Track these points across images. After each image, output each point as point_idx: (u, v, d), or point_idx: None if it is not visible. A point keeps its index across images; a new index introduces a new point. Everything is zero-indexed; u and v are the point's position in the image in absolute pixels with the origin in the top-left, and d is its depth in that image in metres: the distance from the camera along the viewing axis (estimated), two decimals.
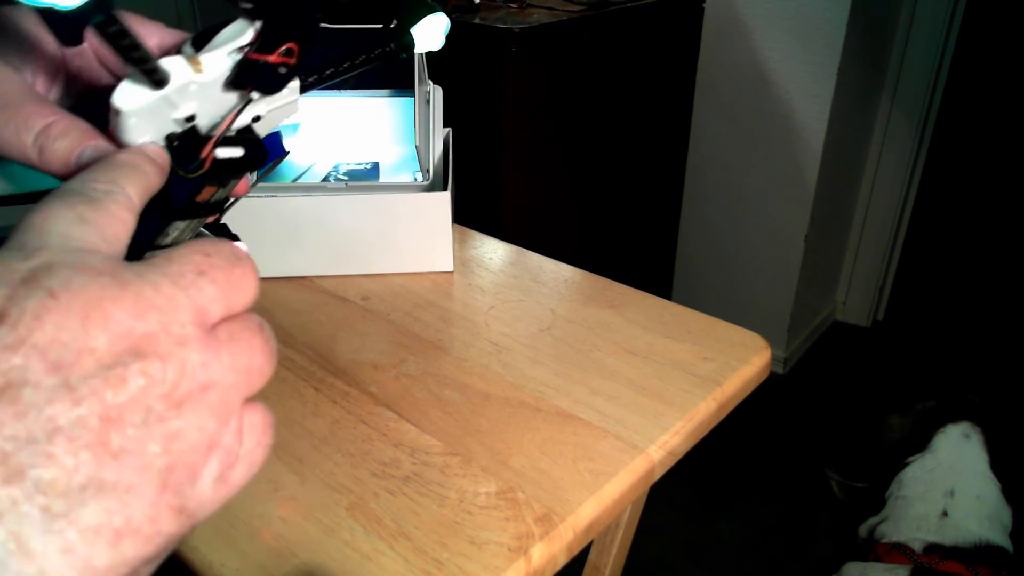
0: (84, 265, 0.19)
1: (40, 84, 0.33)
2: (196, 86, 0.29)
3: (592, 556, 0.78)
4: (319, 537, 0.41)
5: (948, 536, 1.20)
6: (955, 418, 1.36)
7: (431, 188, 0.73)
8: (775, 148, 1.84)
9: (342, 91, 0.78)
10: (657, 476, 0.49)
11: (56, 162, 0.29)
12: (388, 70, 0.77)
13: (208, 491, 0.20)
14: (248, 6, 0.29)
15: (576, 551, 0.43)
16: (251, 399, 0.22)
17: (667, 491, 1.67)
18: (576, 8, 1.47)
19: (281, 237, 0.69)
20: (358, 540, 0.41)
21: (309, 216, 0.69)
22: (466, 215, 0.82)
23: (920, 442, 1.36)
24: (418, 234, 0.70)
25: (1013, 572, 1.20)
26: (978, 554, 1.19)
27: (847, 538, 1.45)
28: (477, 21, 1.35)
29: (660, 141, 1.87)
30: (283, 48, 0.30)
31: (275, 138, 0.42)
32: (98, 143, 0.29)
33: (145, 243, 0.33)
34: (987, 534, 1.21)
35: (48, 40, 0.33)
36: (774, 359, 1.11)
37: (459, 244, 0.78)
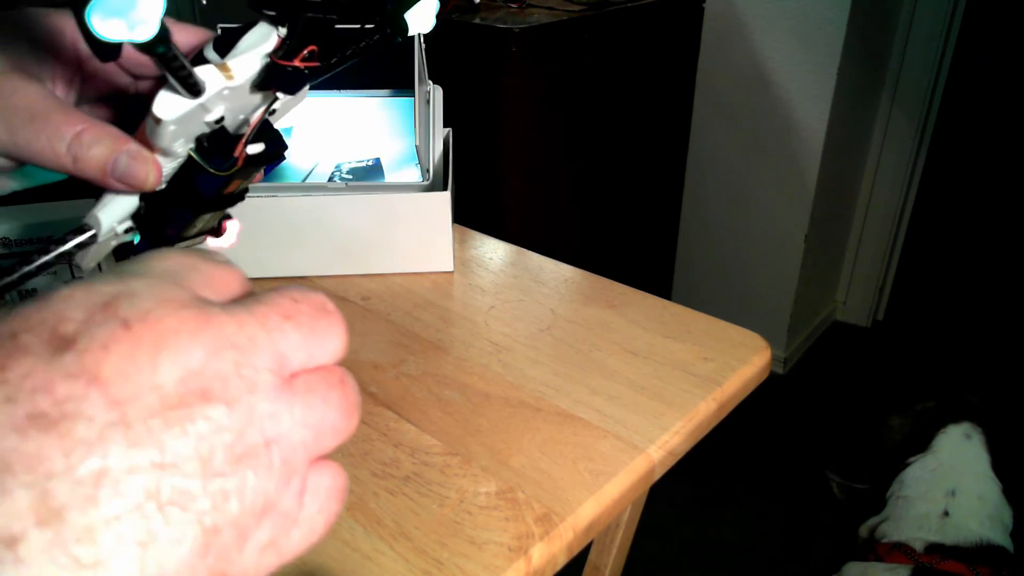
0: (169, 298, 0.18)
1: (59, 89, 0.33)
2: (227, 91, 0.30)
3: (592, 556, 0.78)
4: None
5: (949, 536, 1.20)
6: (956, 418, 1.36)
7: (431, 188, 0.73)
8: (775, 148, 1.84)
9: (342, 91, 0.78)
10: (657, 476, 0.49)
11: (92, 169, 0.30)
12: (388, 70, 0.77)
13: (254, 558, 0.18)
14: (272, 13, 0.30)
15: (576, 551, 0.43)
16: (324, 457, 0.21)
17: (667, 491, 1.67)
18: (576, 8, 1.47)
19: (281, 237, 0.69)
20: (358, 540, 0.41)
21: (309, 216, 0.69)
22: (466, 215, 0.82)
23: (921, 442, 1.36)
24: (418, 234, 0.70)
25: (1014, 572, 1.20)
26: (979, 554, 1.19)
27: (847, 538, 1.45)
28: (477, 21, 1.35)
29: (660, 141, 1.88)
30: (306, 52, 0.31)
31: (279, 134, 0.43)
32: (130, 147, 0.30)
33: (174, 236, 0.34)
34: (988, 534, 1.21)
35: (65, 44, 0.33)
36: (774, 359, 1.11)
37: (459, 244, 0.78)
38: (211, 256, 0.22)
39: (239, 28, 0.31)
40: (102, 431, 0.16)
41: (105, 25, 0.23)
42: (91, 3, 0.22)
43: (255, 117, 0.32)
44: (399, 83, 0.77)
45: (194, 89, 0.28)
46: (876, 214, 2.12)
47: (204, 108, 0.29)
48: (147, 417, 0.16)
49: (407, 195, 0.69)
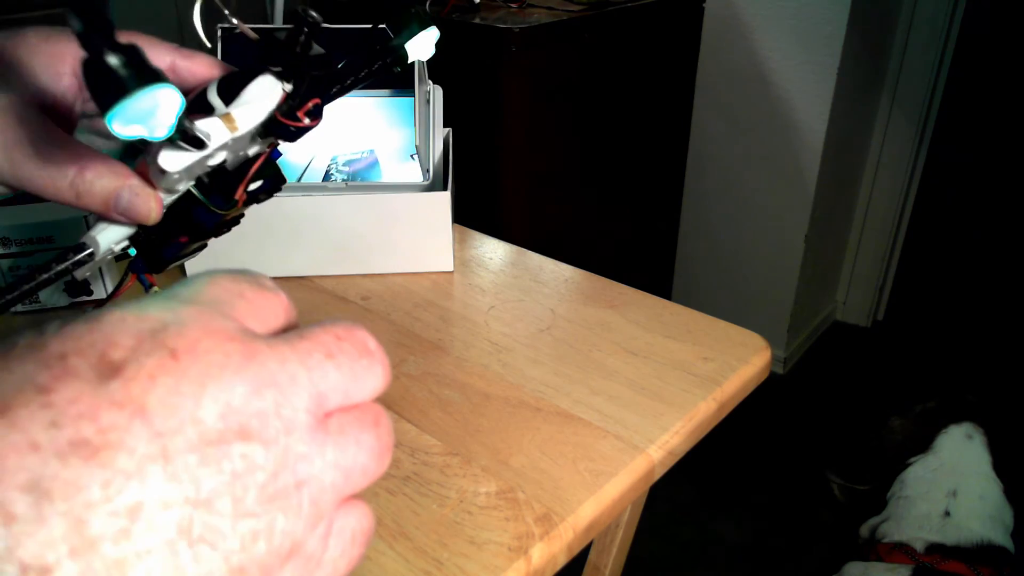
0: (216, 328, 0.19)
1: (63, 106, 0.34)
2: (230, 140, 0.31)
3: (592, 556, 0.78)
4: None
5: (950, 536, 1.20)
6: (957, 419, 1.36)
7: (431, 188, 0.73)
8: (775, 148, 1.84)
9: None
10: (657, 476, 0.49)
11: (95, 204, 0.31)
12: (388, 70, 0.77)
13: None
14: (278, 69, 0.32)
15: (576, 551, 0.43)
16: (353, 497, 0.21)
17: (667, 491, 1.67)
18: (576, 8, 1.47)
19: (281, 237, 0.69)
20: None
21: (309, 216, 0.69)
22: (466, 215, 0.82)
23: (922, 443, 1.36)
24: (418, 234, 0.70)
25: (1015, 572, 1.20)
26: (980, 554, 1.19)
27: (847, 538, 1.44)
28: (477, 21, 1.35)
29: (660, 141, 1.87)
30: (310, 105, 0.32)
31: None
32: (132, 183, 0.31)
33: (171, 257, 0.36)
34: (989, 534, 1.21)
35: (66, 68, 0.34)
36: (774, 359, 1.11)
37: (459, 244, 0.78)
38: (258, 282, 0.22)
39: (243, 73, 0.32)
40: (142, 463, 0.16)
41: (125, 129, 0.24)
42: (112, 111, 0.23)
43: (257, 162, 0.33)
44: (399, 83, 0.77)
45: (199, 144, 0.29)
46: (876, 214, 2.12)
47: (207, 156, 0.31)
48: (186, 452, 0.17)
49: (407, 195, 0.69)
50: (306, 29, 0.31)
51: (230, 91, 0.32)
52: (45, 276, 0.32)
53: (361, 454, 0.20)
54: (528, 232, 1.50)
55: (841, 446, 1.61)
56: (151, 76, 0.24)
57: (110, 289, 0.67)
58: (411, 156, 0.77)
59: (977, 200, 2.43)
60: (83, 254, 0.33)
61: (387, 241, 0.70)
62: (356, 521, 0.20)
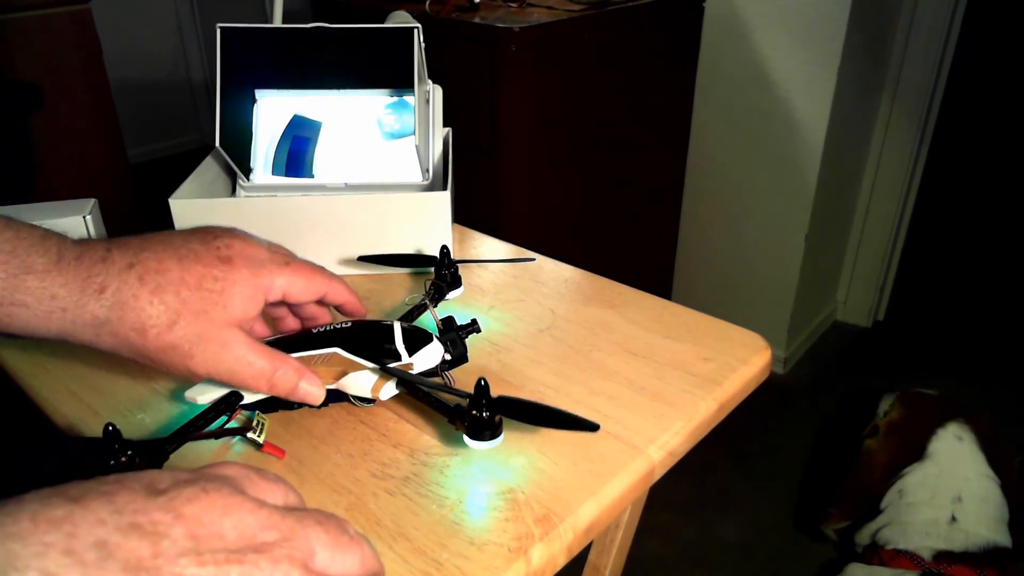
0: (239, 485, 0.26)
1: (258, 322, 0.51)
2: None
3: (592, 557, 0.77)
4: None
5: (958, 542, 1.20)
6: (940, 421, 1.35)
7: (431, 188, 0.73)
8: (775, 148, 1.84)
9: (342, 90, 0.78)
10: (657, 476, 0.49)
11: (283, 393, 0.45)
12: (388, 70, 0.77)
13: None
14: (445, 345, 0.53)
15: (576, 552, 0.43)
16: None
17: (667, 491, 1.67)
18: (576, 8, 1.47)
19: (281, 237, 0.69)
20: None
21: (309, 216, 0.69)
22: (466, 215, 0.82)
23: (912, 452, 1.34)
24: (418, 234, 0.70)
25: (1016, 571, 1.20)
26: (986, 557, 1.19)
27: (847, 539, 1.44)
28: (477, 20, 1.35)
29: (660, 141, 1.87)
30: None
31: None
32: (308, 377, 0.45)
33: (291, 407, 0.51)
34: (995, 536, 1.21)
35: (259, 301, 0.46)
36: (774, 359, 1.11)
37: (459, 244, 0.78)
38: (263, 473, 0.29)
39: (422, 332, 0.51)
40: (181, 550, 0.22)
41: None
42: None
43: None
44: (399, 82, 0.77)
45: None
46: (876, 214, 2.12)
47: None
48: (214, 551, 0.23)
49: (407, 195, 0.69)
50: (449, 350, 0.52)
51: (412, 345, 0.50)
52: (219, 421, 0.47)
53: None
54: (528, 232, 1.50)
55: (830, 492, 1.52)
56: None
57: None
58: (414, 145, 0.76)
59: (977, 200, 2.43)
60: (242, 402, 0.48)
61: (387, 241, 0.70)
62: None
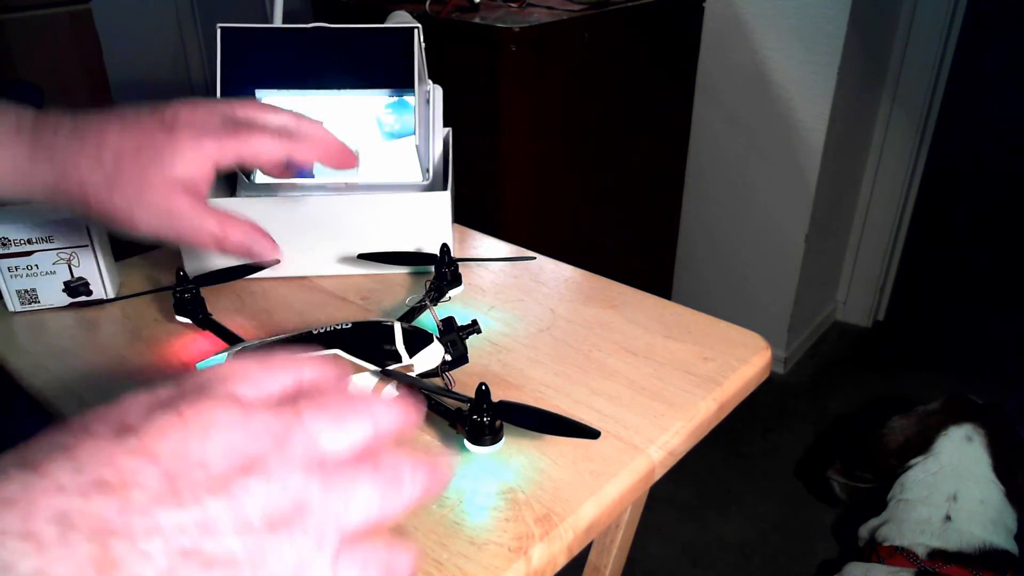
0: (220, 394, 0.22)
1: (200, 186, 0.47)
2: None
3: (592, 557, 0.77)
4: None
5: (952, 541, 1.20)
6: (958, 420, 1.36)
7: (431, 188, 0.73)
8: (775, 148, 1.84)
9: (342, 90, 0.78)
10: (657, 476, 0.49)
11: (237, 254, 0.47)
12: (388, 70, 0.77)
13: None
14: (445, 345, 0.53)
15: (576, 552, 0.43)
16: (393, 535, 0.24)
17: (667, 491, 1.67)
18: (576, 8, 1.47)
19: (281, 237, 0.69)
20: None
21: (309, 216, 0.69)
22: (466, 215, 0.82)
23: (922, 444, 1.36)
24: (418, 234, 0.70)
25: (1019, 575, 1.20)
26: (983, 559, 1.18)
27: (848, 539, 1.44)
28: (477, 20, 1.35)
29: (660, 141, 1.87)
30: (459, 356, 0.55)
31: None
32: (257, 239, 0.48)
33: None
34: (991, 538, 1.20)
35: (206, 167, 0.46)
36: (774, 359, 1.11)
37: (459, 244, 0.78)
38: (261, 360, 0.26)
39: (423, 332, 0.52)
40: (155, 497, 0.19)
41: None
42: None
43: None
44: (399, 82, 0.77)
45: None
46: (876, 214, 2.12)
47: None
48: (195, 487, 0.20)
49: (407, 195, 0.69)
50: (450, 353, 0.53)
51: (413, 345, 0.50)
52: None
53: (360, 488, 0.23)
54: (528, 232, 1.50)
55: (842, 447, 1.60)
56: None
57: (110, 290, 0.67)
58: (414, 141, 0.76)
59: (977, 200, 2.43)
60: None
61: (387, 241, 0.70)
62: (381, 554, 0.23)
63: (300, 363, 0.27)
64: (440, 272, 0.64)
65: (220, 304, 0.66)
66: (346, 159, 0.50)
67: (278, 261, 0.53)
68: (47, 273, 0.64)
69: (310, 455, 0.22)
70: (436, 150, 0.75)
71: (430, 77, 0.77)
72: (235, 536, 0.19)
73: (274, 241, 0.48)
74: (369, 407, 0.25)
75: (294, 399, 0.24)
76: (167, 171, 0.43)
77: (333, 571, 0.21)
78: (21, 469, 0.19)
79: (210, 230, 0.45)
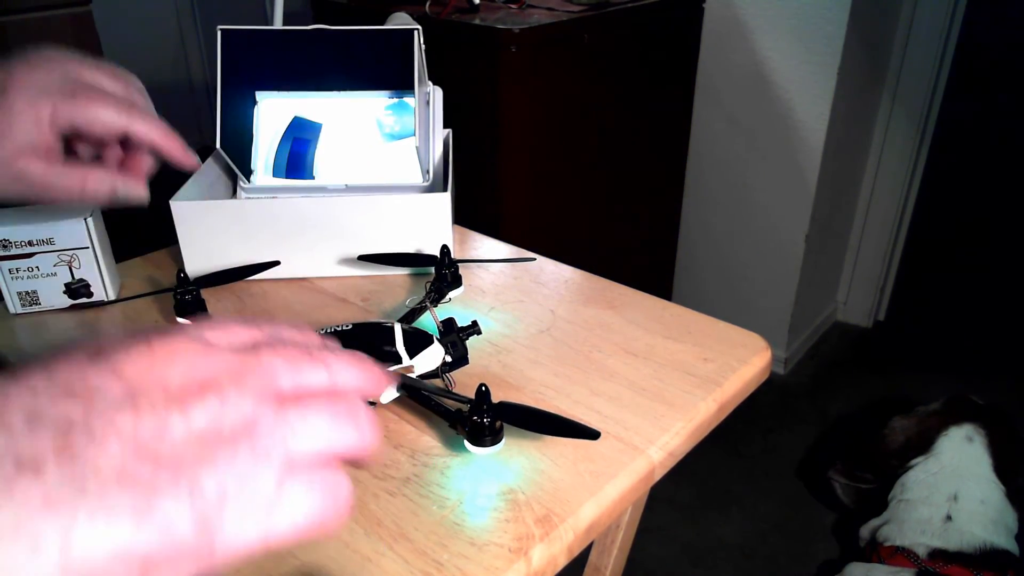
0: (191, 335, 0.25)
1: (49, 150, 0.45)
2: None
3: (592, 557, 0.78)
4: (318, 538, 0.41)
5: (952, 541, 1.20)
6: (958, 420, 1.36)
7: (431, 188, 0.73)
8: (775, 148, 1.84)
9: (342, 91, 0.78)
10: (657, 477, 0.49)
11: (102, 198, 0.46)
12: (388, 70, 0.77)
13: (236, 525, 0.22)
14: (445, 346, 0.54)
15: (576, 552, 0.43)
16: (344, 467, 0.25)
17: (667, 492, 1.67)
18: (576, 8, 1.47)
19: (281, 238, 0.69)
20: (358, 541, 0.41)
21: (309, 217, 0.69)
22: (466, 215, 0.82)
23: (924, 445, 1.36)
24: (418, 234, 0.70)
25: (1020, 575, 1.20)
26: (983, 559, 1.18)
27: (848, 539, 1.44)
28: (477, 22, 1.35)
29: (660, 141, 1.87)
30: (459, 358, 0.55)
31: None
32: (122, 181, 0.47)
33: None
34: (992, 538, 1.20)
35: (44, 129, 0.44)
36: (774, 359, 1.11)
37: (459, 244, 0.78)
38: (233, 318, 0.28)
39: (423, 334, 0.52)
40: (117, 404, 0.21)
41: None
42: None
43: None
44: (399, 83, 0.77)
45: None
46: (876, 214, 2.12)
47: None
48: (154, 402, 0.22)
49: (407, 195, 0.69)
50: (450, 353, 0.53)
51: (413, 346, 0.51)
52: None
53: (311, 419, 0.24)
54: (528, 232, 1.50)
55: (843, 447, 1.60)
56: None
57: (110, 291, 0.67)
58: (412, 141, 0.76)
59: (977, 200, 2.42)
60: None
61: (387, 241, 0.70)
62: (328, 478, 0.24)
63: (276, 324, 0.28)
64: (440, 273, 0.64)
65: (221, 305, 0.66)
66: (182, 153, 0.49)
67: (198, 167, 0.50)
68: (48, 275, 0.64)
69: (265, 388, 0.24)
70: (436, 151, 0.75)
71: (430, 78, 0.77)
72: (184, 443, 0.22)
73: (185, 147, 0.48)
74: (327, 360, 0.26)
75: (257, 347, 0.26)
76: (11, 142, 0.43)
77: (278, 489, 0.23)
78: (4, 379, 0.22)
79: (67, 186, 0.45)
